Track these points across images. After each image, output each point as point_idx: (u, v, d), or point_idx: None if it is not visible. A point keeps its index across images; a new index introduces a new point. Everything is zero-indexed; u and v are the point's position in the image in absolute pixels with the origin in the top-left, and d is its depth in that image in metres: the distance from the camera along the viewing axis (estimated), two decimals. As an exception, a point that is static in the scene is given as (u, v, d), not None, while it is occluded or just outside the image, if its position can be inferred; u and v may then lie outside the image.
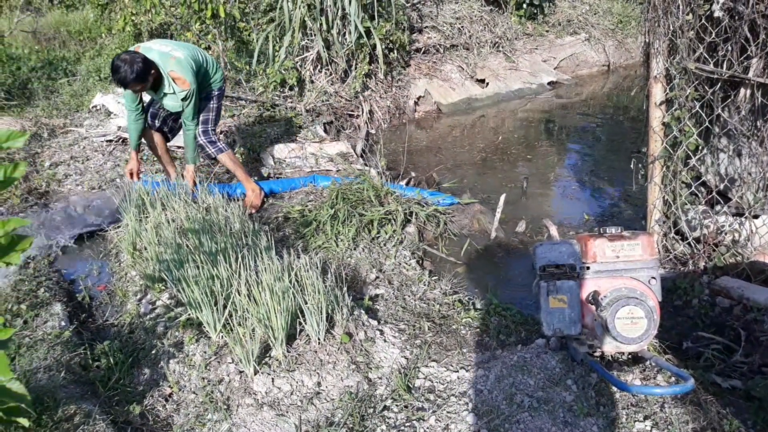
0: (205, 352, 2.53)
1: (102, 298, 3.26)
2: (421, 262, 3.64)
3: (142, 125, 3.99)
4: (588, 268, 2.27)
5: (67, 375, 2.42)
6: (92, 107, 6.43)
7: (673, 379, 2.20)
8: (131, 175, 3.98)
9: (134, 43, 8.29)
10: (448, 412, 2.22)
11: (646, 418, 2.09)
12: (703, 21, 2.74)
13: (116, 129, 5.72)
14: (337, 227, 3.73)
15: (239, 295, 2.53)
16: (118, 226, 3.85)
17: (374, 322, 2.76)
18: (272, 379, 2.38)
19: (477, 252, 3.83)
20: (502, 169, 5.41)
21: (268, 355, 2.48)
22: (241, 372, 2.41)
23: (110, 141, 5.58)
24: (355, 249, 3.59)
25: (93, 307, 3.21)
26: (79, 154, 5.37)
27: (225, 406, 2.29)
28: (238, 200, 4.10)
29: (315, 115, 6.13)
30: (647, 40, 3.03)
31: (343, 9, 6.21)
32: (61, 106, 6.56)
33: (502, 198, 4.17)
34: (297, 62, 6.45)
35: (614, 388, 2.22)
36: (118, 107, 6.14)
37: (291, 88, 6.48)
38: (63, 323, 2.85)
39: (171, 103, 3.86)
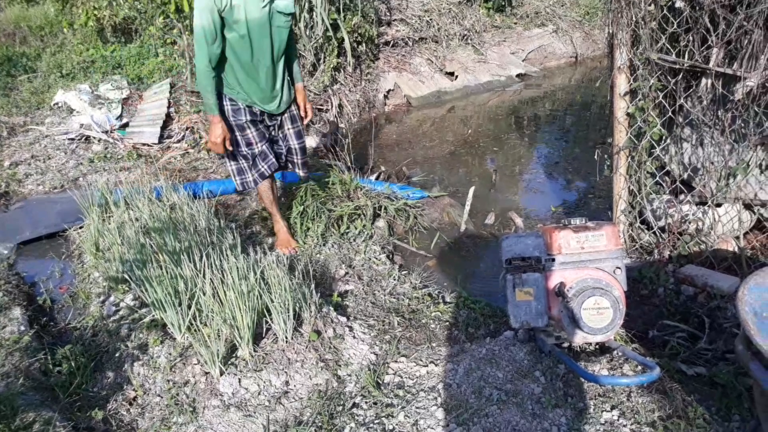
0: (170, 354, 2.48)
1: (64, 301, 3.18)
2: (391, 256, 3.62)
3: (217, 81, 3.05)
4: (554, 260, 2.27)
5: (26, 381, 2.34)
6: (54, 104, 6.26)
7: (639, 368, 2.22)
8: (223, 143, 3.10)
9: (97, 39, 8.12)
10: (417, 408, 2.21)
11: (613, 407, 2.10)
12: (664, 12, 2.75)
13: (78, 126, 5.58)
14: (306, 223, 3.69)
15: (204, 294, 2.48)
16: (80, 227, 3.76)
17: (343, 319, 2.74)
18: (239, 379, 2.34)
19: (447, 245, 3.83)
20: (472, 162, 5.42)
21: (234, 355, 2.44)
22: (206, 373, 2.37)
23: (72, 139, 5.45)
24: (324, 245, 3.56)
25: (54, 310, 3.12)
26: (40, 152, 5.24)
27: (191, 409, 2.24)
28: (203, 198, 4.03)
29: (283, 110, 6.05)
30: (611, 31, 3.04)
31: (310, 2, 6.14)
32: (21, 104, 6.38)
33: (471, 191, 4.17)
34: (264, 56, 6.36)
35: (582, 379, 2.23)
36: (80, 104, 5.99)
37: (259, 83, 6.38)
38: (22, 328, 2.76)
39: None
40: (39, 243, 3.84)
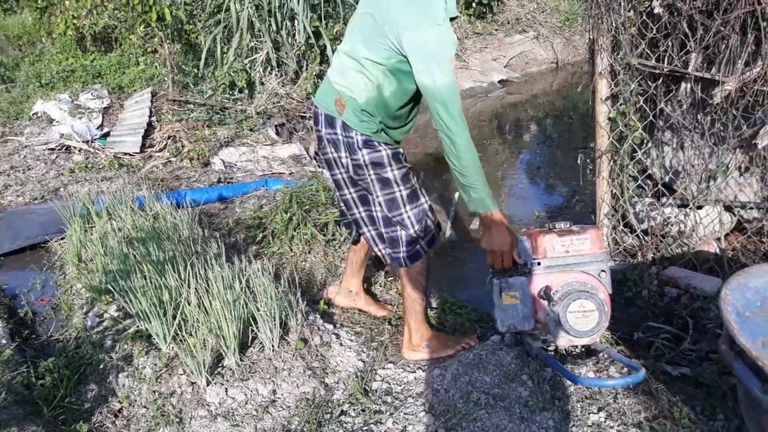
0: (155, 365, 2.45)
1: (46, 313, 3.14)
2: (376, 263, 3.61)
3: None
4: (539, 263, 2.28)
5: (8, 395, 2.30)
6: (33, 114, 6.21)
7: (625, 370, 2.23)
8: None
9: (76, 48, 8.06)
10: (405, 414, 2.20)
11: (600, 409, 2.12)
12: (644, 17, 2.79)
13: (59, 136, 5.53)
14: (290, 231, 3.67)
15: (189, 304, 2.46)
16: (62, 237, 3.71)
17: (330, 326, 2.73)
18: (225, 389, 2.32)
19: (432, 251, 3.82)
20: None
21: (220, 365, 2.42)
22: (193, 383, 2.35)
23: (53, 149, 5.40)
24: (309, 253, 3.55)
25: (36, 323, 3.08)
26: (20, 163, 5.18)
27: (177, 419, 2.22)
28: (186, 207, 3.99)
29: (266, 118, 6.05)
30: (592, 37, 3.08)
31: (292, 9, 6.15)
32: (-1, 114, 6.32)
33: (456, 196, 4.19)
34: (246, 64, 6.36)
35: (569, 382, 2.24)
36: (60, 114, 5.94)
37: (241, 91, 6.38)
38: (3, 341, 2.72)
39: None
40: (19, 255, 3.79)
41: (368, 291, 3.14)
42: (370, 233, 2.52)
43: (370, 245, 2.60)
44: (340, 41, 6.85)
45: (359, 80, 2.23)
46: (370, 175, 2.32)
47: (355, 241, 2.84)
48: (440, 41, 2.08)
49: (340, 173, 2.45)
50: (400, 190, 2.34)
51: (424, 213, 2.41)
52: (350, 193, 2.47)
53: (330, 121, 2.33)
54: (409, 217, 2.37)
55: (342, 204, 2.58)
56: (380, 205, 2.38)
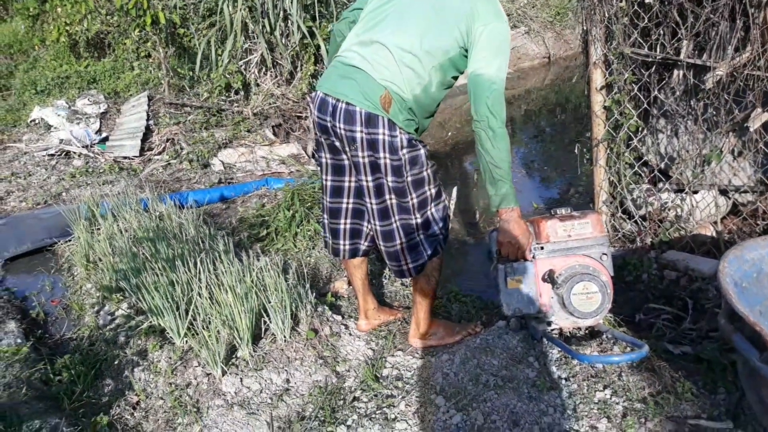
0: (170, 358, 2.51)
1: (57, 313, 3.18)
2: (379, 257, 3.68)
3: None
4: (542, 248, 2.35)
5: (28, 391, 2.36)
6: (30, 121, 6.24)
7: (628, 348, 2.30)
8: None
9: (70, 55, 8.07)
10: (417, 397, 2.27)
11: (605, 387, 2.19)
12: (635, 7, 2.86)
13: (58, 142, 5.57)
14: (294, 228, 3.73)
15: (201, 298, 2.51)
16: (69, 240, 3.76)
17: (338, 317, 2.79)
18: (240, 379, 2.37)
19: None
20: (452, 164, 5.52)
21: (234, 355, 2.48)
22: (208, 374, 2.40)
23: (52, 155, 5.44)
24: (313, 248, 3.60)
25: (48, 323, 3.13)
26: (20, 169, 5.21)
27: (195, 409, 2.28)
28: (189, 208, 4.04)
29: (263, 119, 6.10)
30: (585, 28, 3.15)
31: (285, 10, 6.19)
32: (-3, 122, 6.35)
33: (455, 191, 4.25)
34: (241, 66, 6.40)
35: (574, 362, 2.31)
36: (58, 120, 5.98)
37: (237, 92, 6.43)
38: (19, 340, 2.77)
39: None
40: (27, 258, 3.83)
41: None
42: (395, 247, 2.34)
43: (385, 259, 2.43)
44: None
45: (408, 75, 2.13)
46: (407, 176, 2.21)
47: (352, 256, 2.58)
48: (508, 38, 2.18)
49: (359, 180, 2.27)
50: (430, 189, 2.29)
51: (446, 209, 2.38)
52: (371, 203, 2.29)
53: (367, 119, 2.12)
54: (432, 215, 2.32)
55: (345, 218, 2.45)
56: (413, 207, 2.26)
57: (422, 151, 2.25)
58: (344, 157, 2.30)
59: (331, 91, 2.20)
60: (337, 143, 2.26)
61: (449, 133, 6.38)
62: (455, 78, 2.31)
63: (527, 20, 9.63)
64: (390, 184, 2.22)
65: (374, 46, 2.16)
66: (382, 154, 2.16)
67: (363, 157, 2.19)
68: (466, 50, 2.16)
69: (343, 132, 2.17)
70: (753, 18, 2.51)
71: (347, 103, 2.13)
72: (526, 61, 9.23)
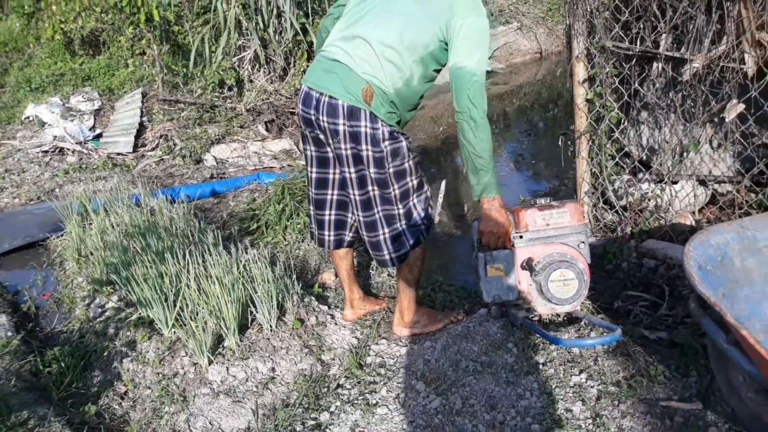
0: (158, 348, 2.56)
1: (48, 307, 3.23)
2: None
3: None
4: (521, 237, 2.40)
5: (18, 383, 2.40)
6: (25, 118, 6.28)
7: (604, 333, 2.36)
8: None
9: (65, 52, 8.12)
10: (398, 383, 2.32)
11: (581, 371, 2.24)
12: (616, 1, 2.91)
13: (52, 139, 5.61)
14: (284, 222, 3.78)
15: (189, 289, 2.56)
16: (61, 235, 3.81)
17: (325, 308, 2.84)
18: (227, 368, 2.43)
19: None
20: (443, 158, 5.56)
21: (221, 345, 2.53)
22: (195, 364, 2.45)
23: (46, 151, 5.48)
24: (303, 241, 3.65)
25: (39, 317, 3.17)
26: (14, 166, 5.26)
27: (181, 398, 2.33)
28: (181, 203, 4.09)
29: (256, 115, 6.15)
30: (569, 22, 3.20)
31: (278, 7, 6.23)
32: (-9, 120, 6.39)
33: (444, 184, 4.30)
34: (234, 62, 6.45)
35: (551, 347, 2.37)
36: (52, 117, 6.02)
37: (230, 89, 6.47)
38: (9, 333, 2.82)
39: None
40: (19, 253, 3.88)
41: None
42: (378, 237, 2.40)
43: (368, 249, 2.51)
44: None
45: (389, 69, 2.18)
46: (389, 168, 2.26)
47: (337, 246, 2.65)
48: (487, 31, 2.23)
49: (342, 172, 2.34)
50: (411, 180, 2.35)
51: (428, 200, 2.44)
52: (354, 194, 2.35)
53: (349, 112, 2.18)
54: (414, 206, 2.38)
55: (329, 209, 2.51)
56: (395, 198, 2.31)
57: (404, 143, 2.31)
58: (328, 149, 2.37)
59: (315, 85, 2.27)
60: (321, 136, 2.32)
61: (441, 128, 6.43)
62: (437, 71, 2.37)
63: (519, 16, 9.68)
64: (372, 175, 2.29)
65: (356, 41, 2.21)
66: (364, 146, 2.22)
67: (346, 149, 2.26)
68: (447, 44, 2.23)
69: (326, 125, 2.24)
70: (728, 11, 2.55)
71: (330, 97, 2.20)
72: (518, 57, 9.28)
